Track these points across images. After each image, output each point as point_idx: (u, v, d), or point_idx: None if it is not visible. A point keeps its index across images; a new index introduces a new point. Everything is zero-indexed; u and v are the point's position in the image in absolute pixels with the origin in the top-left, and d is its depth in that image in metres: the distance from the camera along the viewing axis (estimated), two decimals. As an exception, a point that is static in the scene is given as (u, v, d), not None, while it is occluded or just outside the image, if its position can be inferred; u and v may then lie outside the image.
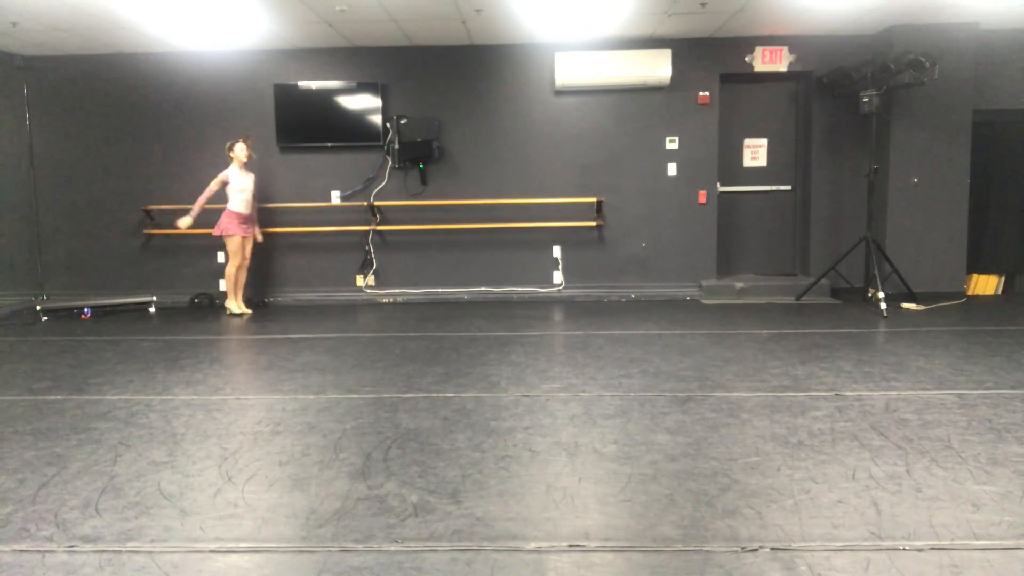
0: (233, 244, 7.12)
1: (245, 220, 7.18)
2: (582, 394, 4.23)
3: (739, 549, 2.38)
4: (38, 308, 7.39)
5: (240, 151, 7.10)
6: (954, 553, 2.34)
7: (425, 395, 4.28)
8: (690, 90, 7.74)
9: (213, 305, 7.96)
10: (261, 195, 8.01)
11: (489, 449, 3.35)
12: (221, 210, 7.17)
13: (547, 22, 6.90)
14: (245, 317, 7.16)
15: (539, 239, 8.00)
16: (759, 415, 3.78)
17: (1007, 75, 7.57)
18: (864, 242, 7.12)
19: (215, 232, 7.14)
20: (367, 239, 8.03)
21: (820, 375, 4.58)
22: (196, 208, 7.13)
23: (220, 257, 8.13)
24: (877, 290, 6.75)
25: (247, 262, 7.35)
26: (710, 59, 7.69)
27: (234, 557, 2.40)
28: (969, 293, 7.82)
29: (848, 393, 4.17)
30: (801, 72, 7.77)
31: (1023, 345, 5.36)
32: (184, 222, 7.15)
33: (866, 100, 6.88)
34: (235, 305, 7.30)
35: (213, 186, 7.07)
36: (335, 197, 8.00)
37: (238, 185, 7.10)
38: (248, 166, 7.27)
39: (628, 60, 7.51)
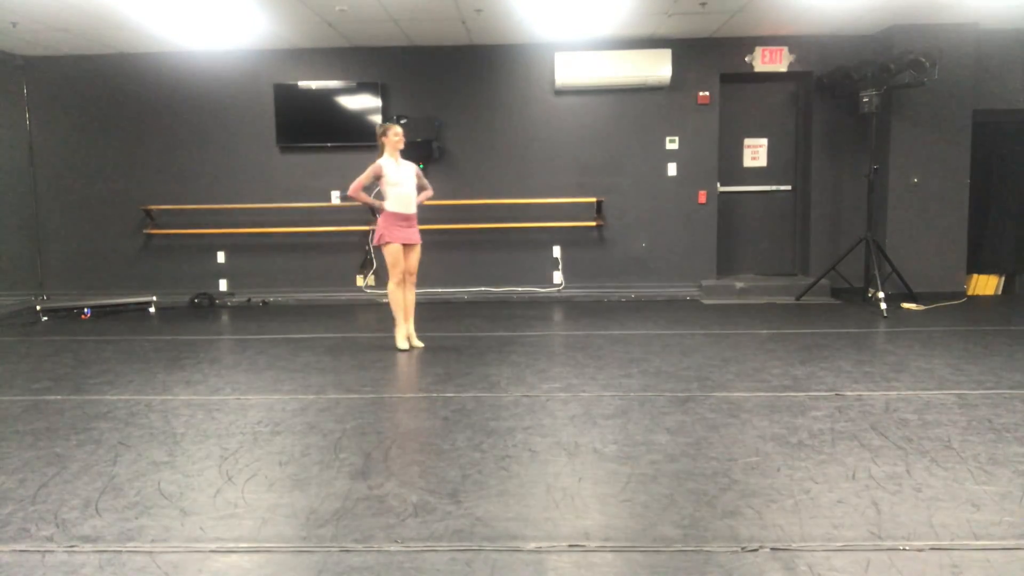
0: (391, 254, 5.51)
1: (405, 222, 5.57)
2: (582, 394, 4.23)
3: (739, 549, 2.38)
4: (38, 308, 7.39)
5: (395, 136, 5.58)
6: (954, 553, 2.34)
7: (425, 395, 4.28)
8: (690, 90, 7.74)
9: (213, 305, 7.96)
10: (261, 195, 8.02)
11: (489, 449, 3.35)
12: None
13: (547, 22, 6.90)
14: (415, 352, 5.52)
15: (539, 239, 8.00)
16: (759, 415, 3.78)
17: (1007, 75, 7.57)
18: (864, 242, 7.12)
19: (374, 242, 5.68)
20: (367, 239, 8.03)
21: (820, 375, 4.58)
22: (365, 201, 5.56)
23: (220, 257, 8.13)
24: (877, 290, 6.75)
25: (413, 277, 5.69)
26: (710, 59, 7.69)
27: (234, 557, 2.40)
28: (969, 293, 7.81)
29: (848, 393, 4.17)
30: (801, 72, 7.76)
31: (1023, 345, 5.36)
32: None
33: (866, 100, 6.88)
34: (401, 337, 5.62)
35: (363, 179, 5.49)
36: (335, 197, 8.00)
37: (394, 177, 5.54)
38: (404, 155, 5.73)
39: (628, 60, 7.51)
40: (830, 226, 7.86)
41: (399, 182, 5.53)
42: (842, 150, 7.78)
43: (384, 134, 5.60)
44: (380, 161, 5.54)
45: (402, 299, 5.62)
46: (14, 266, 8.14)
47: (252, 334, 6.32)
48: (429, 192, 5.85)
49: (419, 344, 5.69)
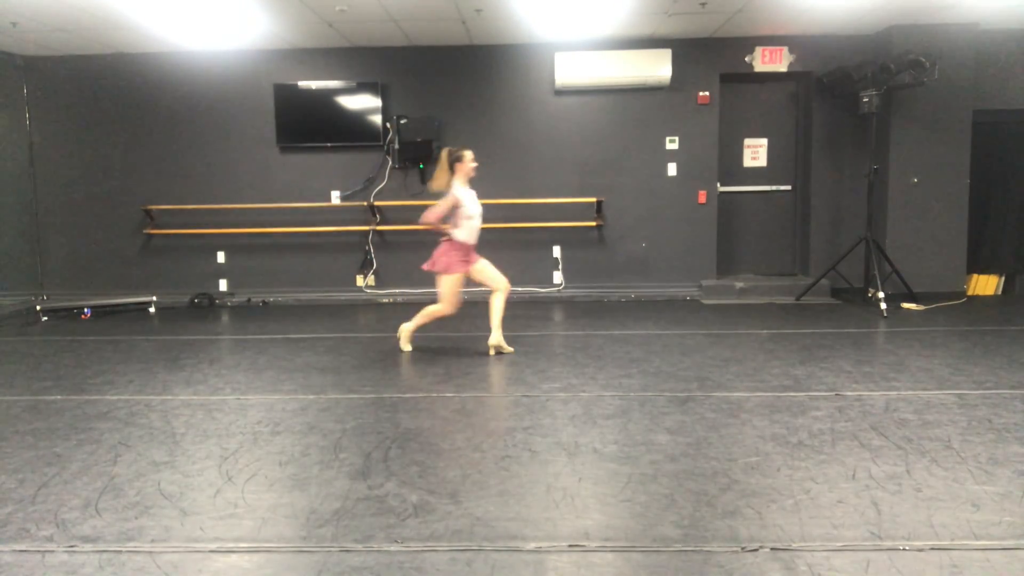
0: (452, 284, 5.26)
1: (467, 253, 5.32)
2: (582, 394, 4.22)
3: (739, 549, 2.38)
4: (38, 308, 7.39)
5: (471, 163, 5.25)
6: (954, 553, 2.34)
7: (425, 395, 4.28)
8: (690, 90, 7.73)
9: (213, 305, 7.95)
10: (261, 195, 8.02)
11: (489, 449, 3.34)
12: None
13: (547, 22, 6.90)
14: (415, 352, 5.51)
15: (539, 239, 8.00)
16: (759, 415, 3.78)
17: (1007, 75, 7.57)
18: (864, 242, 7.11)
19: (426, 266, 5.37)
20: (367, 239, 8.03)
21: (820, 375, 4.58)
22: (440, 227, 5.28)
23: (220, 257, 8.13)
24: (877, 290, 6.75)
25: (506, 287, 5.53)
26: (710, 59, 7.68)
27: (234, 557, 2.40)
28: (969, 293, 7.81)
29: (848, 393, 4.17)
30: (801, 72, 7.76)
31: (1023, 345, 5.36)
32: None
33: (866, 100, 6.88)
34: (407, 339, 5.58)
35: (443, 206, 5.12)
36: (335, 197, 8.00)
37: (472, 209, 5.20)
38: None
39: (628, 60, 7.51)
40: (830, 226, 7.86)
41: (474, 215, 5.24)
42: (842, 150, 7.78)
43: (459, 160, 5.17)
44: (456, 192, 5.13)
45: (432, 319, 5.44)
46: (14, 266, 8.14)
47: (252, 334, 6.32)
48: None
49: (509, 349, 5.44)
